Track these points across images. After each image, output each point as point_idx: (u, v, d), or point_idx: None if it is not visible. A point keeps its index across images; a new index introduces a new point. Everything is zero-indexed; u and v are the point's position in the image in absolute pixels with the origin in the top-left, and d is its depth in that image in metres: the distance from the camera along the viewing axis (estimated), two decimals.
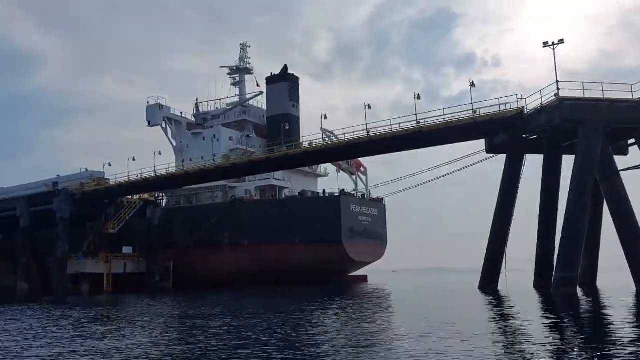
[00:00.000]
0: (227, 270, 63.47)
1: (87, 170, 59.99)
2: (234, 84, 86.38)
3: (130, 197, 59.29)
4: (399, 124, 41.70)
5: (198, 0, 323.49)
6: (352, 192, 67.98)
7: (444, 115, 39.62)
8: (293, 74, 78.98)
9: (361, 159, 71.87)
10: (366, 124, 43.61)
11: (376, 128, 42.63)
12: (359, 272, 73.47)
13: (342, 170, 71.32)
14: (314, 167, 79.08)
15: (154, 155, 56.89)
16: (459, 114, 38.67)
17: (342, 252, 62.91)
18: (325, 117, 72.81)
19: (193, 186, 69.74)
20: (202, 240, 64.26)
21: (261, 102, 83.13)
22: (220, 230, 64.22)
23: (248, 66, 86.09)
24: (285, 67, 79.41)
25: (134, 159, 57.95)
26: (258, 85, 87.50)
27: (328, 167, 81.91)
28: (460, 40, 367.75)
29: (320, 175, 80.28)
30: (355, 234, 65.61)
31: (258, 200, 66.93)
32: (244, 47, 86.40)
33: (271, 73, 79.32)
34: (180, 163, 72.03)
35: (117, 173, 57.57)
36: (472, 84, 39.70)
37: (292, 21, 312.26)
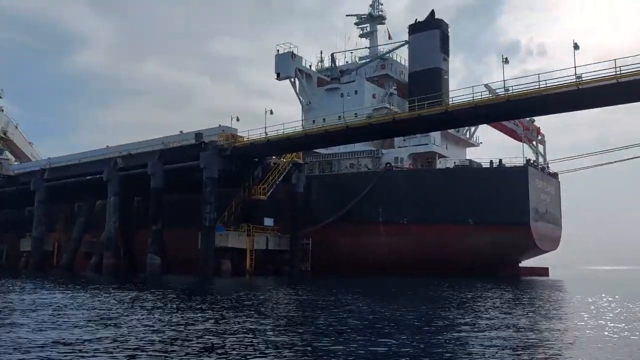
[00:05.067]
0: (380, 254, 53.69)
1: (219, 126, 51.16)
2: (362, 36, 76.16)
3: (275, 158, 50.32)
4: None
5: None
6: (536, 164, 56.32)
7: None
8: (443, 20, 67.39)
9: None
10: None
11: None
12: (527, 264, 61.93)
13: (515, 137, 59.83)
14: (468, 134, 68.02)
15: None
16: None
17: (528, 238, 51.71)
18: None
19: (332, 150, 60.39)
20: (349, 216, 54.61)
21: (400, 56, 72.51)
22: (371, 205, 54.30)
23: (381, 13, 75.35)
24: (432, 13, 67.98)
25: (271, 112, 48.79)
26: (390, 37, 77.18)
27: (480, 136, 70.83)
28: (505, 27, 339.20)
29: (472, 145, 69.00)
30: (539, 216, 54.20)
31: (421, 169, 56.45)
32: None
33: (415, 20, 68.11)
34: (310, 123, 62.82)
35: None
36: None
37: (336, 6, 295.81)
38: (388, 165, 55.89)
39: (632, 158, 56.70)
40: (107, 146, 62.30)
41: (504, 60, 33.24)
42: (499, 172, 52.93)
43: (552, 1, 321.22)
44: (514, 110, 30.84)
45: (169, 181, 48.55)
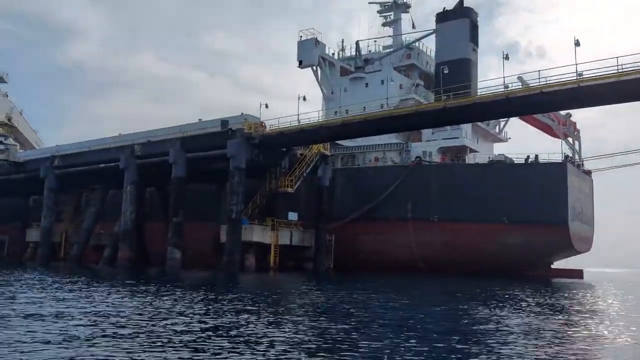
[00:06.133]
0: (408, 253, 51.57)
1: (242, 114, 48.84)
2: (385, 24, 73.69)
3: (302, 149, 48.06)
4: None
5: None
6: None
7: None
8: (473, 9, 64.97)
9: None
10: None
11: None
12: (556, 265, 59.79)
13: (550, 133, 57.71)
14: (497, 128, 65.82)
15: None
16: None
17: (566, 238, 49.57)
18: None
19: (356, 142, 58.21)
20: (375, 212, 52.44)
21: (426, 46, 70.25)
22: (400, 201, 52.10)
23: (406, 1, 72.90)
24: (461, 1, 65.53)
25: (304, 99, 46.54)
26: (414, 26, 74.85)
27: (508, 132, 68.58)
28: (503, 29, 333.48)
29: (500, 140, 66.79)
30: (576, 216, 52.03)
31: (454, 164, 54.11)
32: None
33: (443, 8, 65.74)
34: (332, 114, 60.55)
35: None
36: None
37: (331, 3, 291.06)
38: (418, 159, 53.64)
39: None
40: (120, 134, 60.18)
41: (576, 42, 30.85)
42: (537, 169, 50.63)
43: (550, 2, 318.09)
44: (584, 96, 28.54)
45: (189, 171, 46.27)
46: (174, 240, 43.63)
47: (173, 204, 44.63)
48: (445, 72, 46.45)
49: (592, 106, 31.51)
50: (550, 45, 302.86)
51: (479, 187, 50.17)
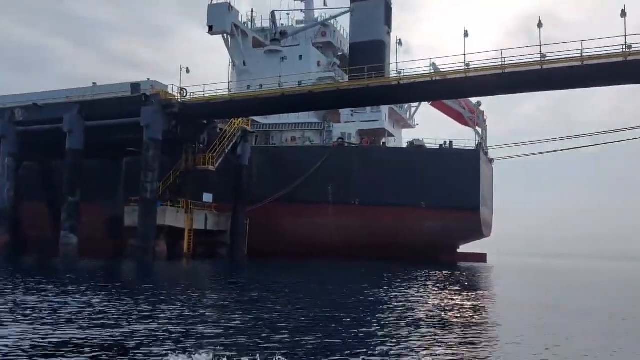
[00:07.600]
0: (328, 237, 49.67)
1: (148, 80, 42.83)
2: None
3: (221, 123, 43.56)
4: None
5: None
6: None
7: None
8: None
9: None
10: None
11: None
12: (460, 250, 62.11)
13: (460, 121, 59.17)
14: (408, 114, 66.12)
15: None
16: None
17: (476, 223, 51.28)
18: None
19: (271, 120, 54.81)
20: (294, 195, 49.73)
21: (340, 25, 68.29)
22: (320, 183, 49.91)
23: None
24: None
25: (187, 71, 41.55)
26: (325, 3, 72.57)
27: (417, 119, 69.42)
28: None
29: (409, 126, 67.35)
30: (484, 202, 54.08)
31: (376, 147, 52.98)
32: None
33: None
34: (243, 87, 56.29)
35: None
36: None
37: None
38: (340, 140, 51.69)
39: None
40: None
41: (539, 24, 30.47)
42: (455, 155, 51.47)
43: (418, 2, 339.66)
44: (544, 80, 28.46)
45: (87, 142, 39.36)
46: (69, 222, 36.98)
47: (68, 181, 37.64)
48: (400, 45, 44.66)
49: (552, 89, 31.87)
50: (414, 44, 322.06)
51: (399, 171, 49.72)
